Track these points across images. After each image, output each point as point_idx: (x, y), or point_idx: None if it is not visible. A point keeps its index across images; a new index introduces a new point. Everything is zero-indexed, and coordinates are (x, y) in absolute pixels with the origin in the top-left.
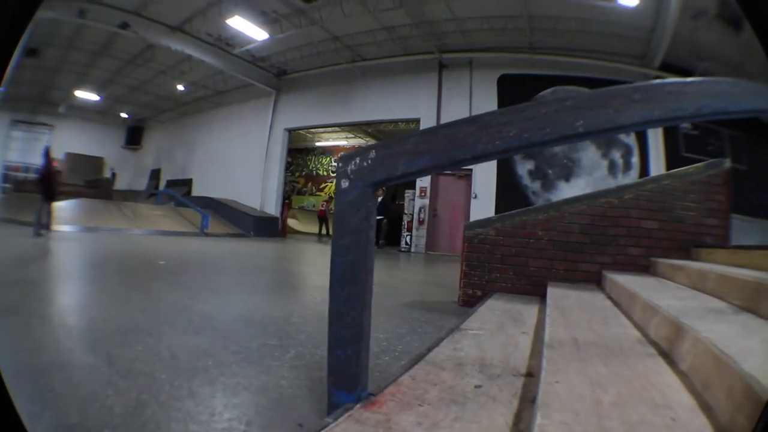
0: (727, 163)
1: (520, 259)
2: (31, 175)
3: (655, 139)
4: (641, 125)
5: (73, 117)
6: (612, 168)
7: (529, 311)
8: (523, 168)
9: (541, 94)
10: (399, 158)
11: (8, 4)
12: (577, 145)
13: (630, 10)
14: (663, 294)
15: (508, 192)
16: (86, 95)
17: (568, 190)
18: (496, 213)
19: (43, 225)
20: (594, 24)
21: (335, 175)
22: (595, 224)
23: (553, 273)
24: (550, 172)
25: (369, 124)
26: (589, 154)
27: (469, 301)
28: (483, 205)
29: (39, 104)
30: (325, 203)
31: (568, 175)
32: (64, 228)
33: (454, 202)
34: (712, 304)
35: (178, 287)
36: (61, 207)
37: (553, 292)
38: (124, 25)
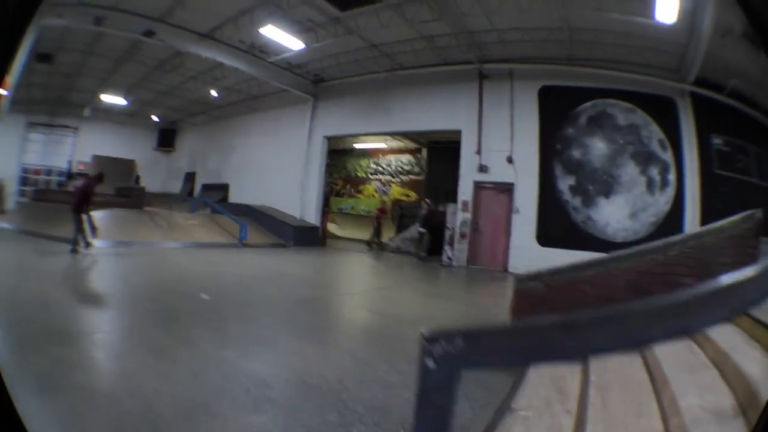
0: (759, 214)
1: (566, 314)
2: (54, 178)
3: (690, 156)
4: (706, 327)
5: (99, 120)
6: (650, 185)
7: (573, 376)
8: (565, 184)
9: (581, 107)
10: (486, 350)
11: (8, 4)
12: (617, 161)
13: (667, 27)
14: (689, 381)
15: (550, 207)
16: (112, 99)
17: (608, 207)
18: (537, 229)
19: (75, 241)
20: (631, 38)
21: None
22: (640, 280)
23: None
24: (590, 188)
25: (409, 134)
26: (629, 170)
27: None
28: (524, 220)
29: (59, 107)
30: (378, 211)
31: (608, 192)
32: (95, 243)
33: (495, 216)
34: (723, 401)
35: (226, 338)
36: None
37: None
38: (149, 33)
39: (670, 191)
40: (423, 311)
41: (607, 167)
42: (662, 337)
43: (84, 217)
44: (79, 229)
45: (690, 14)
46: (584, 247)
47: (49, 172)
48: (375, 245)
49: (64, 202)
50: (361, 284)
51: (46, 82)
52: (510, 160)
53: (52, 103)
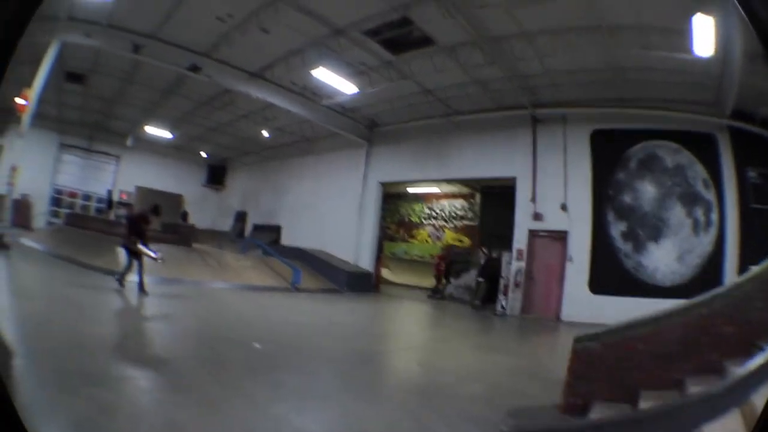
0: None
1: (619, 371)
2: (93, 204)
3: (730, 192)
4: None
5: (143, 150)
6: (695, 226)
7: None
8: (617, 230)
9: (631, 150)
10: None
11: (8, 3)
12: (666, 204)
13: (704, 60)
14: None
15: (602, 254)
16: (157, 131)
17: (657, 251)
18: (590, 277)
19: (123, 274)
20: (674, 74)
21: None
22: (687, 335)
23: (647, 382)
24: (641, 233)
25: (465, 181)
26: (676, 212)
27: (569, 410)
28: (577, 267)
29: (98, 132)
30: (439, 258)
31: (657, 236)
32: (137, 278)
33: (549, 264)
34: None
35: (279, 391)
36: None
37: None
38: (195, 68)
39: (713, 231)
40: (478, 366)
41: (656, 211)
42: (717, 416)
43: (138, 250)
44: (131, 265)
45: (723, 44)
46: (635, 294)
47: (87, 198)
48: (438, 293)
49: (101, 231)
50: (416, 336)
51: (81, 104)
52: (564, 208)
53: (89, 127)
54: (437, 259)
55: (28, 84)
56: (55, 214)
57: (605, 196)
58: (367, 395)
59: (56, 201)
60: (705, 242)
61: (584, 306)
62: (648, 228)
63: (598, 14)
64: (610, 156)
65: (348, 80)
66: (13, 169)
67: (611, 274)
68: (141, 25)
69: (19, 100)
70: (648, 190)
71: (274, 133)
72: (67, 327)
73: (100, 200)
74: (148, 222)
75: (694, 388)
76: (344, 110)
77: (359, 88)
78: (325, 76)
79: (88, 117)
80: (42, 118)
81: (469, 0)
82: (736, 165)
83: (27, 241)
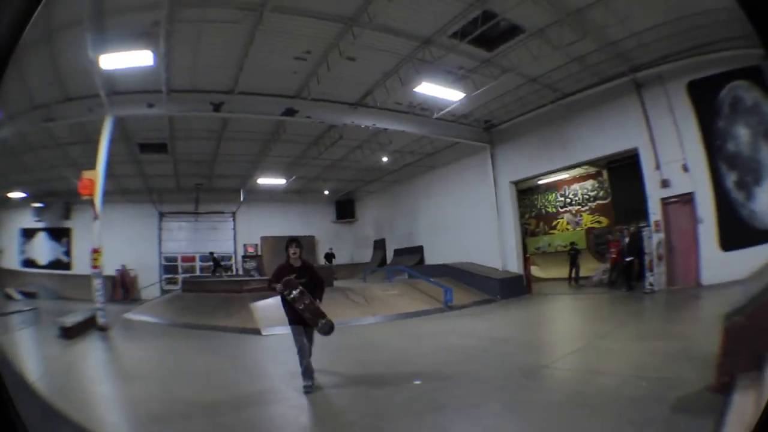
0: None
1: (757, 339)
2: (210, 264)
3: None
4: None
5: (260, 201)
6: None
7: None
8: (730, 180)
9: (720, 95)
10: None
11: (8, 5)
12: (757, 144)
13: None
14: None
15: (723, 208)
16: (270, 181)
17: (761, 195)
18: (718, 234)
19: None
20: (717, 13)
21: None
22: None
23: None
24: (748, 179)
25: (589, 162)
26: (766, 151)
27: (719, 389)
28: (705, 227)
29: (202, 194)
30: (612, 246)
31: (759, 180)
32: (276, 330)
33: (683, 230)
34: None
35: None
36: (266, 306)
37: None
38: (291, 111)
39: None
40: (640, 359)
41: (753, 154)
42: None
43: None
44: (303, 345)
45: None
46: (756, 242)
47: (205, 259)
48: (617, 283)
49: (224, 291)
50: (575, 336)
51: (175, 171)
52: (685, 168)
53: (190, 191)
54: (611, 247)
55: (88, 165)
56: (171, 281)
57: (715, 147)
58: (537, 420)
59: (170, 268)
60: None
61: (720, 266)
62: (752, 173)
63: None
64: (707, 105)
65: (452, 87)
66: (95, 251)
67: (735, 227)
68: (210, 84)
69: (80, 183)
70: (743, 134)
71: (393, 157)
72: (188, 405)
73: (223, 258)
74: (292, 268)
75: None
76: (457, 118)
77: (465, 93)
78: (428, 89)
79: (185, 182)
80: (127, 194)
81: None
82: None
83: (135, 315)
